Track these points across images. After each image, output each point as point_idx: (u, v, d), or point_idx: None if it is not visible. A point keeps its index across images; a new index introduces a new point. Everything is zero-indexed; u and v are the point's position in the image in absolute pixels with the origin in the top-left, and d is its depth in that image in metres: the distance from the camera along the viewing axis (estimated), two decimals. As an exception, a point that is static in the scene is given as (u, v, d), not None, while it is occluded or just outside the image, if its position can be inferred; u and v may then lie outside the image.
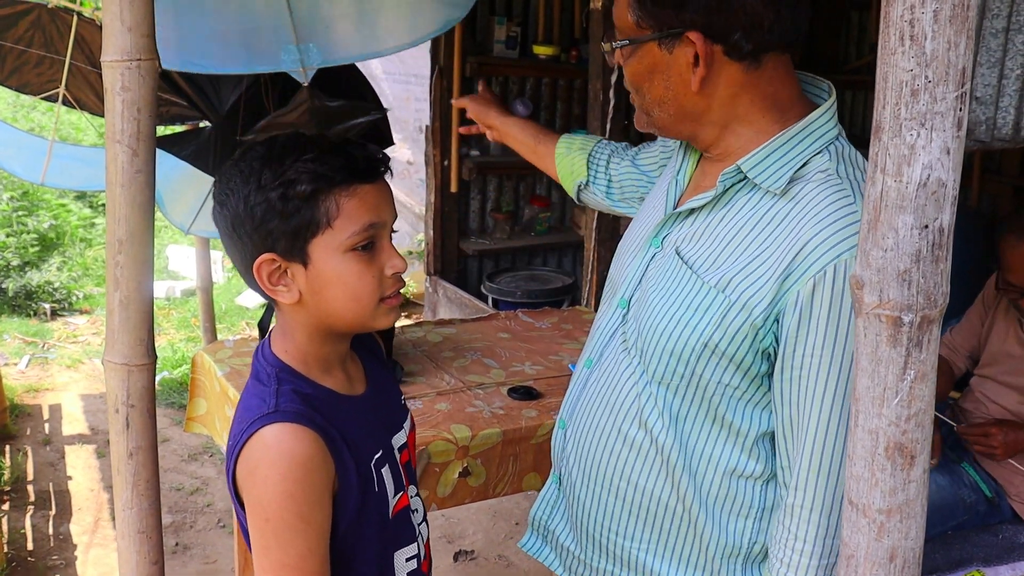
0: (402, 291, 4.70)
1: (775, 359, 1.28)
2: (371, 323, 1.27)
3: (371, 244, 1.23)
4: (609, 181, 1.84)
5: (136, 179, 1.41)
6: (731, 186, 1.33)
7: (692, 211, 1.38)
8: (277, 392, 1.22)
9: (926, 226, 0.94)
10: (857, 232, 1.19)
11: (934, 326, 0.98)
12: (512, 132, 1.99)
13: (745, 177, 1.31)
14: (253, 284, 1.25)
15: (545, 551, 1.61)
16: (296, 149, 1.20)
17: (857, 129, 5.35)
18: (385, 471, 1.32)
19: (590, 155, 1.87)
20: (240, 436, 1.19)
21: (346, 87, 3.60)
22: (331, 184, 1.20)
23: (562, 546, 1.56)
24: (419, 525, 1.42)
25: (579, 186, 1.89)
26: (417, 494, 1.46)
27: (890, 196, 0.95)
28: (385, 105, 3.75)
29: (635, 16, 1.29)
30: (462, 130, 2.13)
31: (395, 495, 1.33)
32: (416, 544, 1.38)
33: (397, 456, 1.38)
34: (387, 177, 1.27)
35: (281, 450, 1.17)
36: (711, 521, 1.37)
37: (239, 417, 1.23)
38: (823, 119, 1.31)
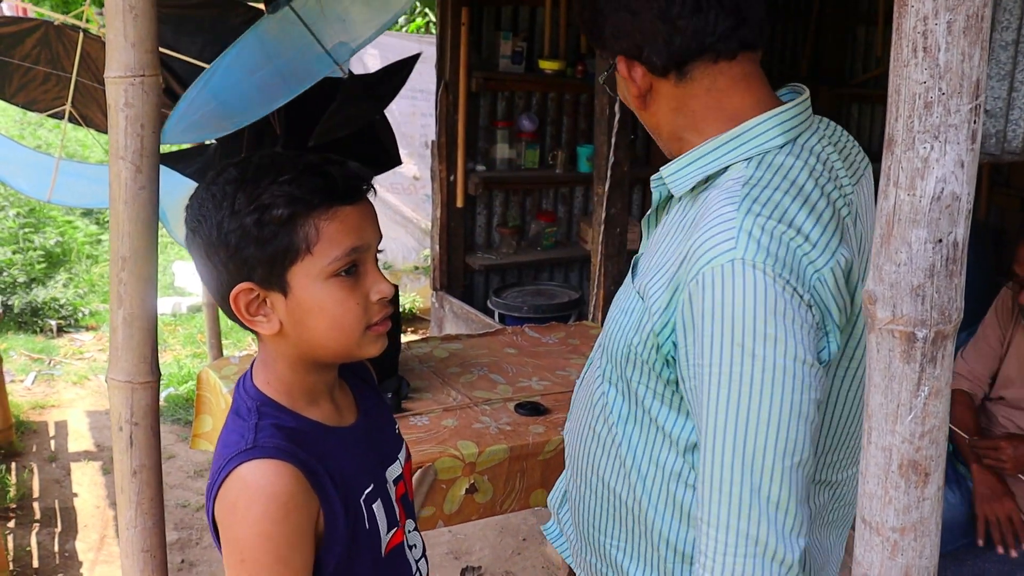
0: (408, 306, 4.70)
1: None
2: (357, 352, 1.21)
3: (355, 269, 1.17)
4: None
5: (140, 196, 1.40)
6: (666, 196, 1.35)
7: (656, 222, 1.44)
8: (256, 427, 1.17)
9: (940, 240, 0.92)
10: (728, 239, 1.13)
11: (948, 341, 0.96)
12: None
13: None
14: (231, 314, 1.20)
15: (561, 539, 1.64)
16: (272, 170, 1.14)
17: (864, 143, 5.34)
18: (377, 507, 1.27)
19: None
20: (218, 473, 1.15)
21: (368, 135, 3.61)
22: (309, 207, 1.13)
23: (568, 535, 1.59)
24: (417, 562, 1.38)
25: None
26: (416, 528, 1.42)
27: (903, 210, 0.93)
28: (392, 121, 3.75)
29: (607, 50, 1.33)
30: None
31: (388, 532, 1.29)
32: None
33: (391, 490, 1.33)
34: (370, 196, 1.21)
35: (259, 488, 1.12)
36: (660, 522, 1.34)
37: (218, 453, 1.19)
38: (764, 127, 1.24)
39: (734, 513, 1.15)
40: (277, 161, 1.16)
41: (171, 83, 3.34)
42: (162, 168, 3.12)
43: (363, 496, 1.24)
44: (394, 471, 1.35)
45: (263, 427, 1.17)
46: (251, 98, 2.63)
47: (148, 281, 1.44)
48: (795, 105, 1.27)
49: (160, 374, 1.49)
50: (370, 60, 5.81)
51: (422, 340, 3.05)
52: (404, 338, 5.47)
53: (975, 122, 0.89)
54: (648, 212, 1.43)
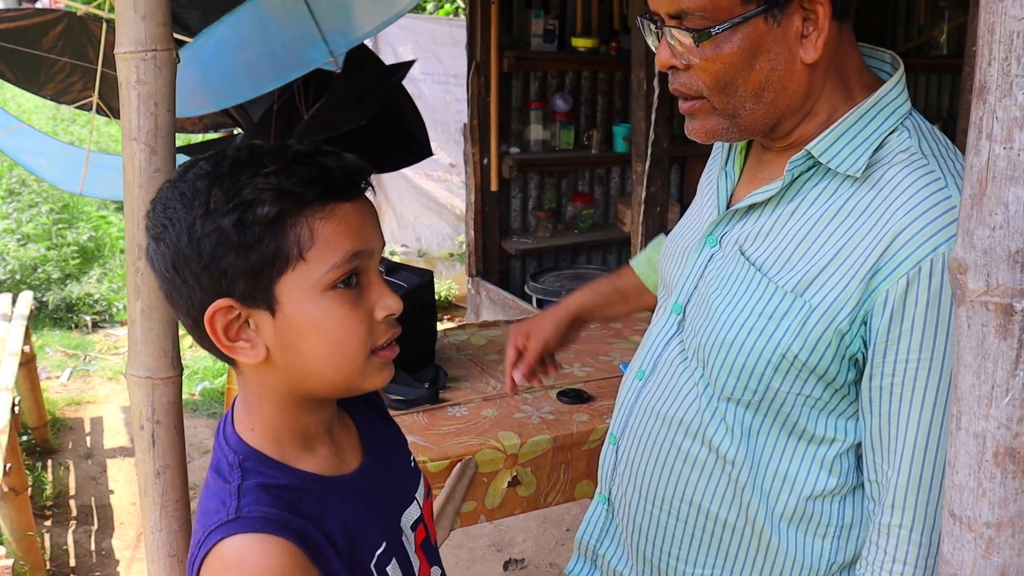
0: (444, 294, 4.60)
1: (863, 365, 1.15)
2: (359, 384, 1.01)
3: (355, 279, 0.97)
4: None
5: (155, 179, 1.31)
6: (799, 175, 1.18)
7: (752, 207, 1.24)
8: (239, 491, 0.96)
9: (1044, 199, 0.81)
10: (954, 220, 1.05)
11: (1053, 314, 0.85)
12: (586, 301, 1.70)
13: (816, 164, 1.17)
14: (205, 341, 0.98)
15: None
16: (253, 162, 0.94)
17: (908, 114, 5.17)
18: (392, 569, 1.08)
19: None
20: (198, 548, 0.95)
21: (399, 126, 3.54)
22: (301, 203, 0.93)
23: (614, 571, 1.44)
24: None
25: None
26: (442, 574, 1.23)
27: (998, 166, 0.82)
28: (425, 108, 3.68)
29: None
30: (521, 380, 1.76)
31: None
32: None
33: (409, 540, 1.13)
34: (370, 195, 1.00)
35: (245, 570, 0.92)
36: (785, 543, 1.25)
37: (197, 520, 0.99)
38: (894, 92, 1.16)
39: (940, 512, 1.10)
40: (258, 152, 0.96)
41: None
42: (183, 158, 3.07)
43: (374, 561, 1.05)
44: (411, 515, 1.15)
45: (247, 490, 0.96)
46: (238, 77, 2.54)
47: (167, 270, 1.35)
48: (901, 69, 1.20)
49: (182, 369, 1.41)
50: (401, 48, 5.72)
51: (459, 328, 2.96)
52: (440, 326, 5.42)
53: (1087, 61, 0.78)
54: (748, 197, 1.24)
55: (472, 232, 4.91)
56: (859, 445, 1.21)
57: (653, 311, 1.54)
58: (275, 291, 0.95)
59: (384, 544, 1.07)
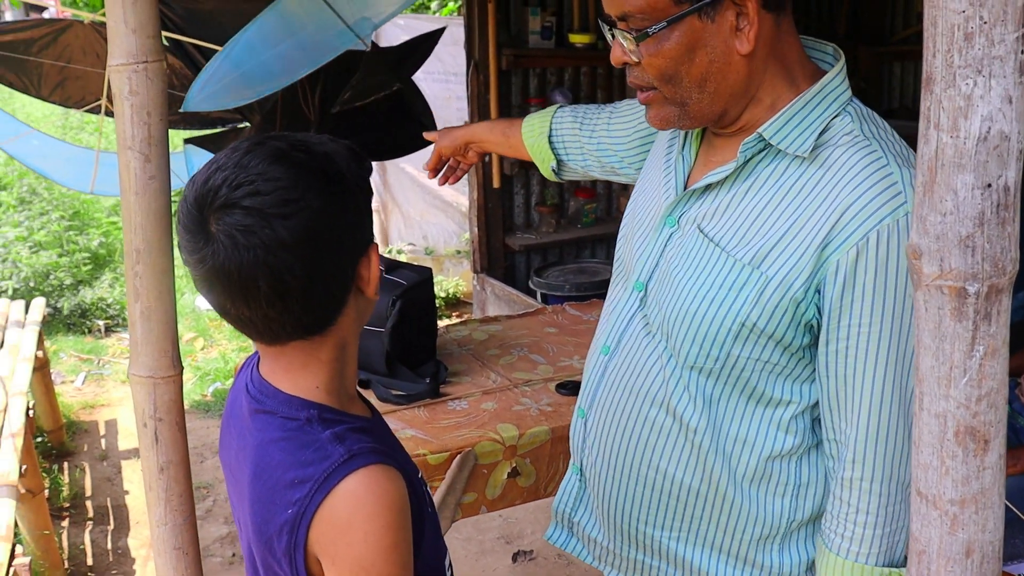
0: (452, 291, 4.65)
1: (818, 331, 1.24)
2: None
3: None
4: (583, 155, 1.77)
5: (150, 186, 1.36)
6: (751, 157, 1.27)
7: (709, 187, 1.32)
8: (336, 436, 1.03)
9: (989, 185, 0.84)
10: (898, 193, 1.15)
11: (1004, 296, 0.89)
12: (482, 137, 1.90)
13: (767, 146, 1.26)
14: (336, 301, 1.06)
15: (572, 542, 1.57)
16: (306, 137, 1.08)
17: (908, 100, 5.18)
18: (428, 488, 1.21)
19: (551, 135, 1.78)
20: (307, 500, 1.00)
21: (395, 96, 3.57)
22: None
23: (589, 538, 1.52)
24: None
25: (553, 169, 1.82)
26: None
27: (946, 154, 0.85)
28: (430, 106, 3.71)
29: None
30: (439, 180, 2.00)
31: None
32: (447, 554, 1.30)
33: None
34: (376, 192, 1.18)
35: (378, 498, 1.00)
36: (746, 502, 1.33)
37: (282, 482, 1.03)
38: (836, 80, 1.26)
39: (898, 463, 1.21)
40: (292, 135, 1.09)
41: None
42: (196, 150, 3.11)
43: (419, 478, 1.18)
44: None
45: (343, 435, 1.04)
46: (273, 68, 2.59)
47: (164, 273, 1.40)
48: (842, 60, 1.29)
49: (182, 368, 1.46)
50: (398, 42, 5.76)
51: (461, 323, 3.00)
52: (445, 322, 5.46)
53: (1023, 52, 0.81)
54: (704, 178, 1.32)
55: (476, 229, 4.95)
56: (815, 407, 1.29)
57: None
58: (369, 231, 1.09)
59: (419, 472, 1.19)
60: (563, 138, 1.78)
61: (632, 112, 1.66)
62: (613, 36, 1.26)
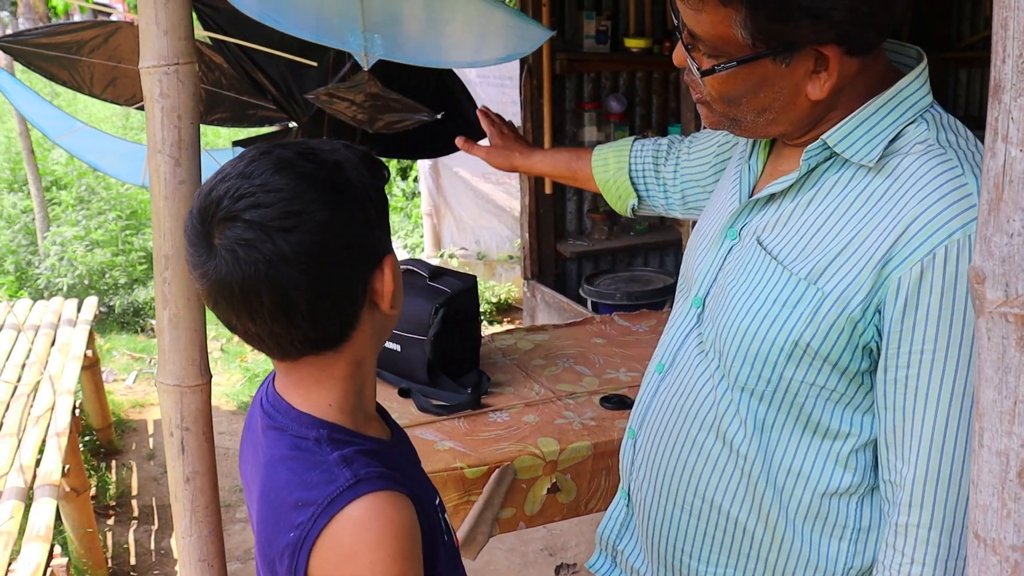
0: (504, 296, 4.59)
1: (878, 355, 1.13)
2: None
3: None
4: (666, 191, 1.68)
5: (180, 190, 1.33)
6: (816, 166, 1.18)
7: (772, 197, 1.23)
8: (344, 459, 0.99)
9: (1062, 204, 0.77)
10: (971, 206, 1.04)
11: (1076, 325, 0.81)
12: (542, 170, 1.83)
13: (833, 154, 1.16)
14: (346, 317, 1.00)
15: (615, 573, 1.48)
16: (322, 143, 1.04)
17: (974, 110, 5.02)
18: (446, 516, 1.15)
19: (631, 172, 1.70)
20: (310, 525, 0.96)
21: (440, 89, 3.53)
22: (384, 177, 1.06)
23: (633, 568, 1.43)
24: None
25: (632, 207, 1.74)
26: None
27: (1015, 169, 0.78)
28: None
29: (747, 35, 1.09)
30: (462, 146, 1.90)
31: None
32: None
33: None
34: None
35: (383, 527, 0.95)
36: (799, 542, 1.22)
37: (287, 503, 0.99)
38: (914, 85, 1.15)
39: (960, 510, 1.09)
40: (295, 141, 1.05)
41: (255, 74, 3.34)
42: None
43: (437, 505, 1.13)
44: None
45: (352, 457, 0.99)
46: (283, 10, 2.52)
47: (193, 281, 1.36)
48: (923, 63, 1.18)
49: (211, 376, 1.42)
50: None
51: (506, 332, 2.95)
52: (496, 328, 5.42)
53: (1103, 59, 0.74)
54: (767, 187, 1.25)
55: (527, 235, 4.90)
56: (876, 443, 1.19)
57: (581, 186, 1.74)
58: (384, 243, 1.03)
59: (437, 496, 1.14)
60: (643, 172, 1.69)
61: (711, 137, 1.58)
62: (679, 35, 1.18)
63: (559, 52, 4.55)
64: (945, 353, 1.06)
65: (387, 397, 2.38)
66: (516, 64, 4.79)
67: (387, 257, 1.02)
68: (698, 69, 1.15)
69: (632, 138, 1.74)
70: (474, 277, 2.57)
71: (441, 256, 6.33)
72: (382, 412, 1.19)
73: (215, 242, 0.96)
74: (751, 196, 1.29)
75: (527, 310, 5.08)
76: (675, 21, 1.18)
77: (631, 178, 1.70)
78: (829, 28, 1.06)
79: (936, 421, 1.08)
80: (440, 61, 2.69)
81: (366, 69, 2.47)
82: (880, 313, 1.11)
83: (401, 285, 1.06)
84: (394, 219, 7.47)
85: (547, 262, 4.96)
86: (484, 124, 1.88)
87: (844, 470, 1.20)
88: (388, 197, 1.02)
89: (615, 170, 1.71)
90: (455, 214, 6.38)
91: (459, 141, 1.88)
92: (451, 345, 2.39)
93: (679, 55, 1.19)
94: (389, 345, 2.40)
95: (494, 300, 5.95)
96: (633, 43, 4.68)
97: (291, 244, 0.93)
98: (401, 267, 2.49)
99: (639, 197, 1.71)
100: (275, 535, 0.99)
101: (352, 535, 0.95)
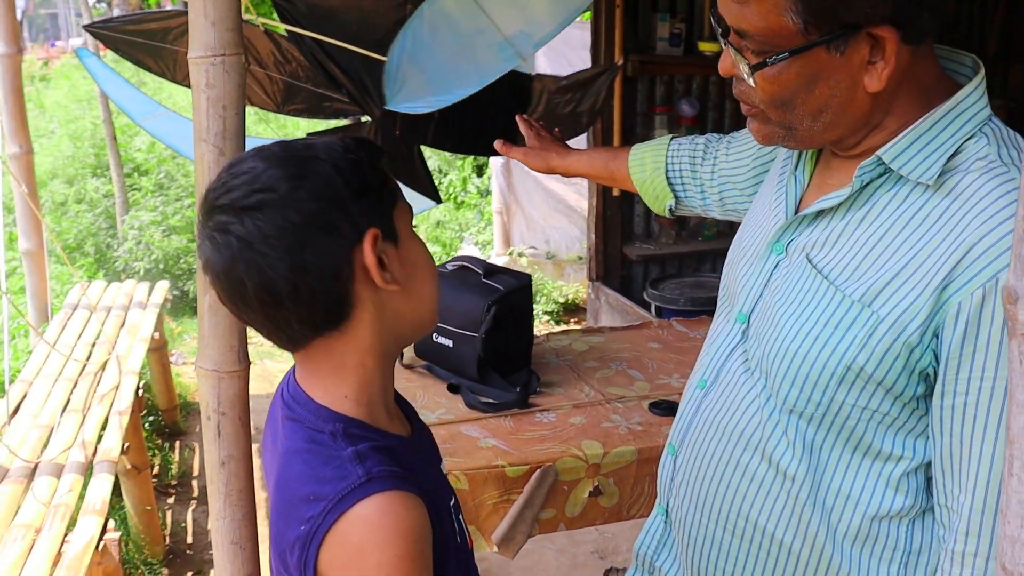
0: (571, 297, 4.60)
1: (934, 380, 1.09)
2: (433, 323, 1.10)
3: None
4: (703, 192, 1.65)
5: (223, 179, 1.35)
6: (870, 182, 1.14)
7: (821, 213, 1.19)
8: (358, 455, 0.98)
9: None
10: None
11: (1107, 351, 0.77)
12: (580, 170, 1.80)
13: (887, 170, 1.12)
14: (334, 295, 0.98)
15: None
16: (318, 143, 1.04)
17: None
18: (461, 518, 1.14)
19: (668, 171, 1.67)
20: (320, 520, 0.96)
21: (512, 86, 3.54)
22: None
23: None
24: None
25: (670, 208, 1.71)
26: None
27: (1049, 186, 0.75)
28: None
29: (799, 21, 1.04)
30: (500, 148, 1.87)
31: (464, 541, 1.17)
32: None
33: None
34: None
35: (392, 527, 0.95)
36: (847, 565, 1.19)
37: (299, 496, 0.99)
38: (972, 97, 1.10)
39: None
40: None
41: (330, 67, 3.38)
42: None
43: (451, 509, 1.11)
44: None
45: (365, 454, 0.98)
46: (446, 78, 2.58)
47: (235, 268, 1.39)
48: (981, 73, 1.14)
49: (249, 363, 1.45)
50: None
51: (562, 332, 2.94)
52: (559, 328, 5.41)
53: None
54: (817, 203, 1.20)
55: (593, 236, 4.88)
56: (929, 465, 1.15)
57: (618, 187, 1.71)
58: (394, 221, 1.02)
59: (453, 497, 1.14)
60: (680, 172, 1.66)
61: (750, 138, 1.53)
62: (726, 41, 1.13)
63: (632, 54, 4.52)
64: (1005, 381, 1.02)
65: (436, 392, 2.39)
66: (588, 63, 4.77)
67: (370, 231, 0.99)
68: (748, 66, 1.10)
69: (669, 136, 1.71)
70: (529, 276, 2.57)
71: (510, 254, 6.34)
72: (405, 407, 1.19)
73: (204, 233, 1.00)
74: (797, 210, 1.25)
75: (591, 312, 5.06)
76: (717, 29, 1.14)
77: (668, 178, 1.67)
78: (883, 6, 1.02)
79: (996, 450, 1.04)
80: (570, 13, 2.76)
81: (533, 73, 2.58)
82: (938, 338, 1.07)
83: (414, 264, 1.04)
84: (467, 216, 7.50)
85: (612, 264, 4.93)
86: (522, 127, 1.86)
87: (896, 492, 1.16)
88: (411, 181, 1.03)
89: (652, 170, 1.69)
90: (525, 213, 6.39)
91: (498, 144, 1.86)
92: (503, 343, 2.39)
93: (725, 63, 1.15)
94: (441, 340, 2.42)
95: (561, 300, 5.94)
96: (707, 47, 4.62)
97: (259, 223, 0.95)
98: (456, 264, 2.52)
99: (676, 197, 1.69)
100: (287, 527, 0.99)
101: (360, 534, 0.95)
